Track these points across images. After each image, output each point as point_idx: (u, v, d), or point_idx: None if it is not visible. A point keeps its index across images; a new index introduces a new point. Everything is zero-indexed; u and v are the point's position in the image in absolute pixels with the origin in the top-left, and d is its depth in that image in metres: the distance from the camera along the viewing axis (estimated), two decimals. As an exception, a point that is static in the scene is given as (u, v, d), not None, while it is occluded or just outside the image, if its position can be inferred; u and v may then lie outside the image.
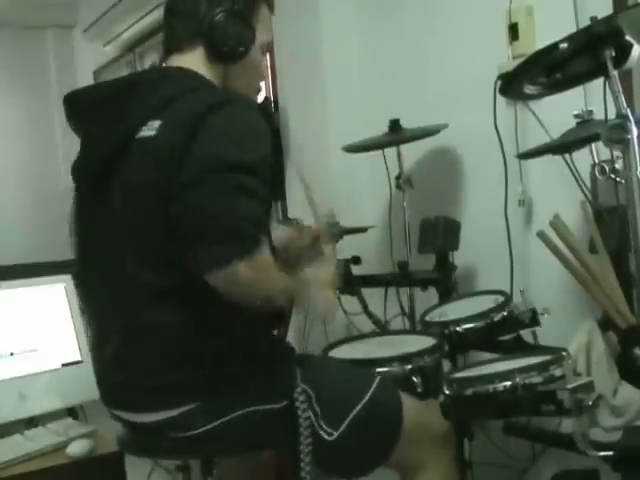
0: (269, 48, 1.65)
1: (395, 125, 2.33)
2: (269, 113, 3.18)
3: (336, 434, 1.42)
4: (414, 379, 1.58)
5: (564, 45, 1.35)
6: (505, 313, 1.82)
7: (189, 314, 1.36)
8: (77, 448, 1.86)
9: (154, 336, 1.37)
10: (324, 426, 1.42)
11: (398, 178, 2.38)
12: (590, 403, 1.28)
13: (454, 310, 1.95)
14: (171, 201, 1.31)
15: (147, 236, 1.37)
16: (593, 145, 1.86)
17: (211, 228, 1.27)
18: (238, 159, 1.31)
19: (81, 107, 1.51)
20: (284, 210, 3.18)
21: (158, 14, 3.64)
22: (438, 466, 1.51)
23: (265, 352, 1.45)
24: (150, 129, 1.37)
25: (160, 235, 1.36)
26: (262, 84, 1.69)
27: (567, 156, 1.96)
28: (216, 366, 1.38)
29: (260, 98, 3.33)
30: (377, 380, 1.51)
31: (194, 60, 1.50)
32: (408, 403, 1.52)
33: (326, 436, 1.42)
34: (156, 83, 1.46)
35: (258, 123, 1.40)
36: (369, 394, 1.47)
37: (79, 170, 1.51)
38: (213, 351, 1.38)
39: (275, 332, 1.58)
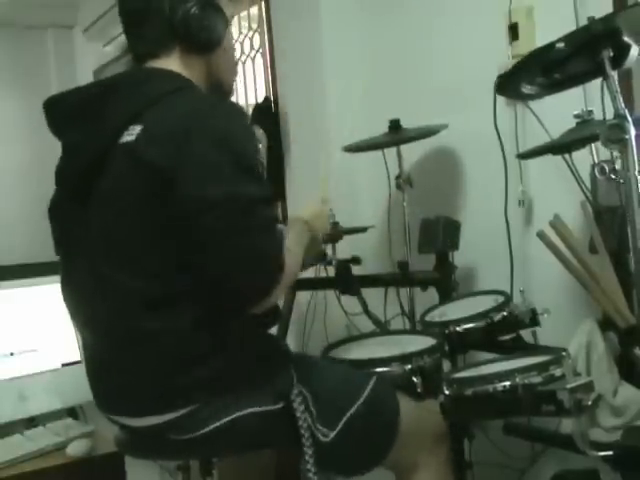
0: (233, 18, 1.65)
1: (395, 125, 2.32)
2: (269, 113, 3.18)
3: (332, 435, 1.43)
4: (414, 379, 1.58)
5: (561, 45, 1.35)
6: (505, 313, 1.81)
7: (183, 319, 1.36)
8: (77, 448, 1.87)
9: (149, 342, 1.36)
10: (320, 427, 1.42)
11: (398, 178, 2.38)
12: (590, 403, 1.27)
13: (454, 310, 1.94)
14: (182, 235, 1.33)
15: (134, 245, 1.36)
16: (593, 145, 1.86)
17: (241, 267, 1.34)
18: (243, 195, 1.32)
19: (61, 112, 1.49)
20: (284, 210, 3.17)
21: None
22: (433, 466, 1.52)
23: (261, 354, 1.45)
24: (131, 134, 1.35)
25: (148, 245, 1.35)
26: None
27: (567, 156, 1.96)
28: (213, 369, 1.37)
29: (260, 97, 3.33)
30: (373, 381, 1.51)
31: (173, 61, 1.48)
32: (404, 404, 1.52)
33: (322, 437, 1.42)
34: (135, 85, 1.44)
35: (244, 133, 1.41)
36: (365, 395, 1.47)
37: (62, 175, 1.49)
38: (209, 354, 1.37)
39: (272, 331, 1.58)
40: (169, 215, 1.33)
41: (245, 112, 1.50)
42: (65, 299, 1.54)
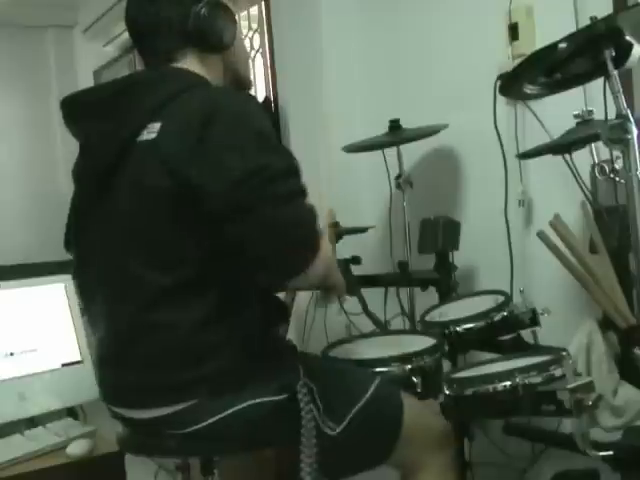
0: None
1: (395, 125, 2.32)
2: (269, 113, 3.17)
3: (339, 429, 1.42)
4: (414, 379, 1.58)
5: (564, 45, 1.35)
6: (505, 313, 1.82)
7: (193, 311, 1.37)
8: (77, 448, 1.86)
9: (158, 334, 1.38)
10: (327, 421, 1.42)
11: (398, 178, 2.37)
12: (590, 403, 1.27)
13: (454, 310, 1.95)
14: (213, 220, 1.33)
15: (154, 237, 1.38)
16: (593, 145, 1.86)
17: (278, 244, 1.33)
18: (268, 167, 1.32)
19: (80, 111, 1.51)
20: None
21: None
22: (437, 466, 1.52)
23: (268, 347, 1.45)
24: (150, 132, 1.37)
25: (168, 235, 1.37)
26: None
27: (567, 156, 1.96)
28: (219, 364, 1.38)
29: (260, 97, 3.34)
30: (379, 378, 1.52)
31: (190, 63, 1.50)
32: (408, 403, 1.52)
33: (329, 431, 1.42)
34: (153, 84, 1.46)
35: (261, 115, 1.42)
36: (371, 391, 1.47)
37: (80, 174, 1.51)
38: (217, 349, 1.38)
39: (278, 330, 1.58)
40: (194, 204, 1.33)
41: (258, 100, 1.52)
42: (77, 291, 1.55)
